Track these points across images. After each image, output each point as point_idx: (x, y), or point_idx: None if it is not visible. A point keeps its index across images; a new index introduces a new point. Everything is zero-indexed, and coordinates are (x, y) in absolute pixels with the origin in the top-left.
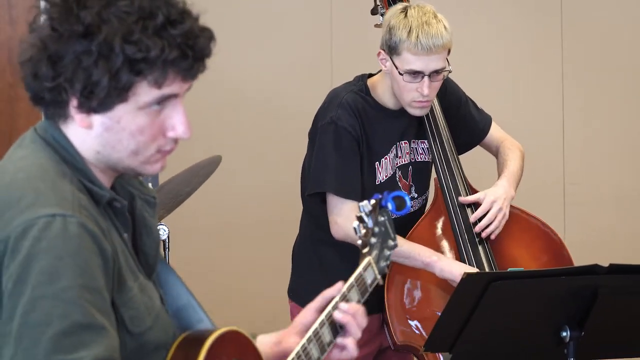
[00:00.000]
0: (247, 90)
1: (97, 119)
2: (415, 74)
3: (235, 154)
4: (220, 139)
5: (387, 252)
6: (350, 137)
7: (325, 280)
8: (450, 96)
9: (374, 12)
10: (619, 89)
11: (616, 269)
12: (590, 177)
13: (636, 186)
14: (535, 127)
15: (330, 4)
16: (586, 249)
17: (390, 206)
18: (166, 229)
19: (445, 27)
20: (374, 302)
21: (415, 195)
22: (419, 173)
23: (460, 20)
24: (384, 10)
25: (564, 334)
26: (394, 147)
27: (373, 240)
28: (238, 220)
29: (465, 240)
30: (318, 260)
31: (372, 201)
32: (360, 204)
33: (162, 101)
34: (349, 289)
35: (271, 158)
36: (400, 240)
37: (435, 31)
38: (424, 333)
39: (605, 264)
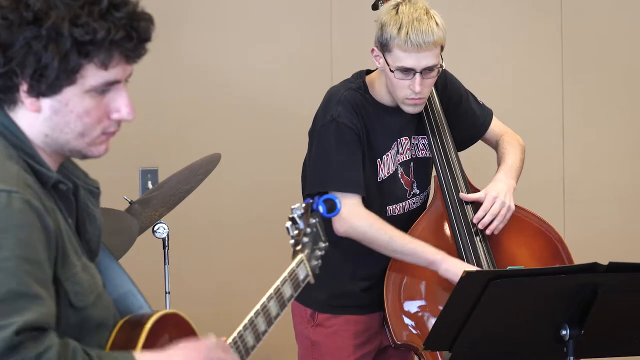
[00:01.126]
0: (246, 88)
1: (46, 103)
2: (407, 71)
3: (234, 152)
4: (220, 137)
5: (318, 253)
6: (352, 132)
7: (326, 278)
8: (451, 92)
9: (374, 7)
10: (619, 87)
11: (616, 267)
12: (590, 175)
13: (636, 184)
14: (535, 125)
15: (330, 1)
16: (586, 247)
17: (321, 209)
18: (166, 227)
19: (437, 24)
20: (375, 300)
21: (417, 192)
22: (420, 169)
23: (460, 18)
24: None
25: (564, 332)
26: (394, 143)
27: (305, 239)
28: (238, 218)
29: (465, 238)
30: None
31: (303, 204)
32: (293, 207)
33: (107, 86)
34: (283, 283)
35: (271, 156)
36: (405, 238)
37: (425, 28)
38: (422, 332)
39: (605, 262)
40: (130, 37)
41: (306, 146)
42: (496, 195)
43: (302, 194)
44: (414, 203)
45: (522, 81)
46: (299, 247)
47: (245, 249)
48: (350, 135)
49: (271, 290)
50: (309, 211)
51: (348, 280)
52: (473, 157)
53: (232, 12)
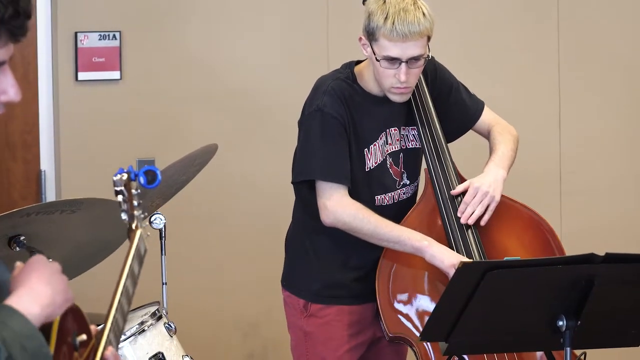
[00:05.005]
0: (244, 79)
1: None
2: (392, 60)
3: (231, 142)
4: (216, 127)
5: (144, 224)
6: (337, 122)
7: (318, 268)
8: (441, 82)
9: (365, 1)
10: (616, 79)
11: (612, 258)
12: (587, 166)
13: (632, 175)
14: (531, 116)
15: None
16: (582, 239)
17: (142, 180)
18: (163, 218)
19: (424, 14)
20: (368, 290)
21: (407, 182)
22: (410, 160)
23: (456, 10)
24: None
25: (560, 323)
26: (382, 134)
27: (137, 213)
28: (235, 209)
29: (455, 228)
30: (312, 248)
31: (122, 175)
32: (114, 178)
33: None
34: (132, 259)
35: (268, 147)
36: (389, 225)
37: (412, 18)
38: (414, 324)
39: (602, 253)
40: (18, 13)
41: None
42: (478, 186)
43: (292, 183)
44: (404, 193)
45: (518, 72)
46: (134, 224)
47: (242, 239)
48: (336, 126)
49: (127, 270)
50: (130, 182)
51: (340, 270)
52: (464, 148)
53: (228, 4)
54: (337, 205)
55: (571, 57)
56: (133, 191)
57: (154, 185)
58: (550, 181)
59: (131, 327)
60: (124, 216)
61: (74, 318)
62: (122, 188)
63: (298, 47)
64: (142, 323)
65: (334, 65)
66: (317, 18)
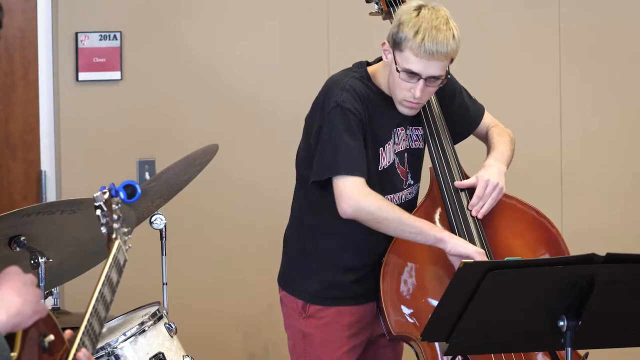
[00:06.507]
0: (244, 79)
1: None
2: (412, 74)
3: (231, 143)
4: (217, 128)
5: (125, 238)
6: (356, 118)
7: (317, 269)
8: (445, 86)
9: (368, 0)
10: (617, 77)
11: (613, 259)
12: (588, 166)
13: (633, 175)
14: (532, 116)
15: None
16: (583, 238)
17: (122, 195)
18: (163, 218)
19: (454, 36)
20: (367, 290)
21: (412, 182)
22: (414, 160)
23: (456, 9)
24: None
25: (561, 323)
26: (393, 133)
27: (116, 226)
28: (235, 209)
29: (461, 227)
30: (311, 248)
31: (105, 192)
32: (95, 195)
33: None
34: (110, 269)
35: (268, 147)
36: (411, 216)
37: (442, 38)
38: (419, 323)
39: (603, 253)
40: None
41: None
42: (488, 179)
43: (297, 180)
44: (409, 194)
45: (519, 72)
46: (113, 236)
47: (243, 239)
48: (355, 121)
49: (103, 278)
50: (110, 198)
51: (339, 271)
52: (467, 150)
53: (229, 5)
54: (361, 195)
55: (572, 57)
56: (113, 206)
57: (134, 199)
58: (551, 181)
59: (132, 327)
60: (103, 229)
61: (44, 323)
62: (102, 204)
63: (298, 47)
64: (142, 323)
65: (334, 65)
66: (317, 18)
